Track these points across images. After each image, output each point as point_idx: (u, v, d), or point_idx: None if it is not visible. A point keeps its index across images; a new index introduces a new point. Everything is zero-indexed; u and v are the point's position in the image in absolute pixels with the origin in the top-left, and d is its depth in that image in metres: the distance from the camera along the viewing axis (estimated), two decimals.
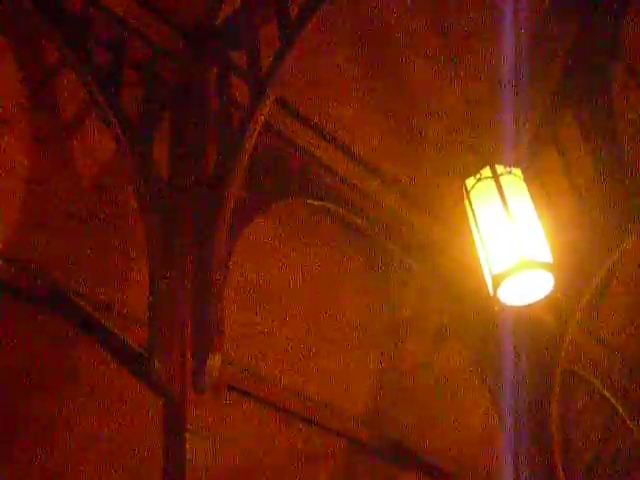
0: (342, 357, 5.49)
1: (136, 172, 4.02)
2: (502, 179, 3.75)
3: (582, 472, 7.85)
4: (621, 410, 7.27)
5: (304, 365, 5.23)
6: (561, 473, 5.44)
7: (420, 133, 5.37)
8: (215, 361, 3.72)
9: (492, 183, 3.74)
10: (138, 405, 4.62)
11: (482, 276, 3.80)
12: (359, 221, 5.04)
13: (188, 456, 3.57)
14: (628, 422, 7.31)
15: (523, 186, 3.80)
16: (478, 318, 5.32)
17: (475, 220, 3.76)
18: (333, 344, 5.40)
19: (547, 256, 3.62)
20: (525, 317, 5.33)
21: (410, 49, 5.25)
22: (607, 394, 7.16)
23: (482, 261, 3.75)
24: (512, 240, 3.58)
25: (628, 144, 5.74)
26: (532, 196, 3.79)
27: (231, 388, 4.61)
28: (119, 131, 4.01)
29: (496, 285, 3.60)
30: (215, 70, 4.52)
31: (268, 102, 4.15)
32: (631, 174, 5.56)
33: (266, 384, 4.98)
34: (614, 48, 5.73)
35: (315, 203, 4.86)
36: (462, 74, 5.32)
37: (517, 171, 3.83)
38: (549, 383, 5.52)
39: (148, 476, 4.47)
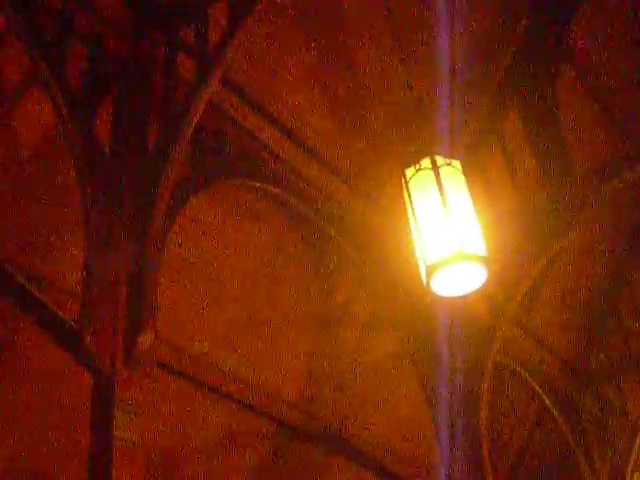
0: (276, 339, 5.49)
1: (76, 144, 3.96)
2: (441, 170, 3.76)
3: (510, 463, 7.99)
4: (549, 403, 7.42)
5: (237, 346, 5.23)
6: (489, 463, 5.53)
7: (364, 121, 5.38)
8: (147, 338, 3.70)
9: (431, 174, 3.76)
10: (69, 380, 4.58)
11: (417, 266, 3.82)
12: (299, 205, 5.04)
13: (115, 432, 3.55)
14: (556, 415, 7.47)
15: (462, 178, 3.82)
16: (412, 308, 5.37)
17: (412, 210, 3.77)
18: (267, 326, 5.41)
19: (481, 249, 3.64)
20: (459, 310, 5.38)
21: (362, 39, 5.25)
22: (537, 387, 7.30)
23: (417, 251, 3.76)
24: (447, 231, 3.59)
25: (571, 142, 5.82)
26: (470, 189, 3.82)
27: (162, 366, 4.59)
28: (61, 101, 3.95)
29: (429, 275, 3.60)
30: (162, 45, 4.48)
31: (214, 80, 4.13)
32: (572, 172, 5.65)
33: (198, 364, 4.96)
34: (560, 47, 5.80)
35: (256, 185, 4.85)
36: (410, 66, 5.34)
37: (457, 163, 3.85)
38: (481, 375, 5.60)
39: (75, 451, 4.43)
